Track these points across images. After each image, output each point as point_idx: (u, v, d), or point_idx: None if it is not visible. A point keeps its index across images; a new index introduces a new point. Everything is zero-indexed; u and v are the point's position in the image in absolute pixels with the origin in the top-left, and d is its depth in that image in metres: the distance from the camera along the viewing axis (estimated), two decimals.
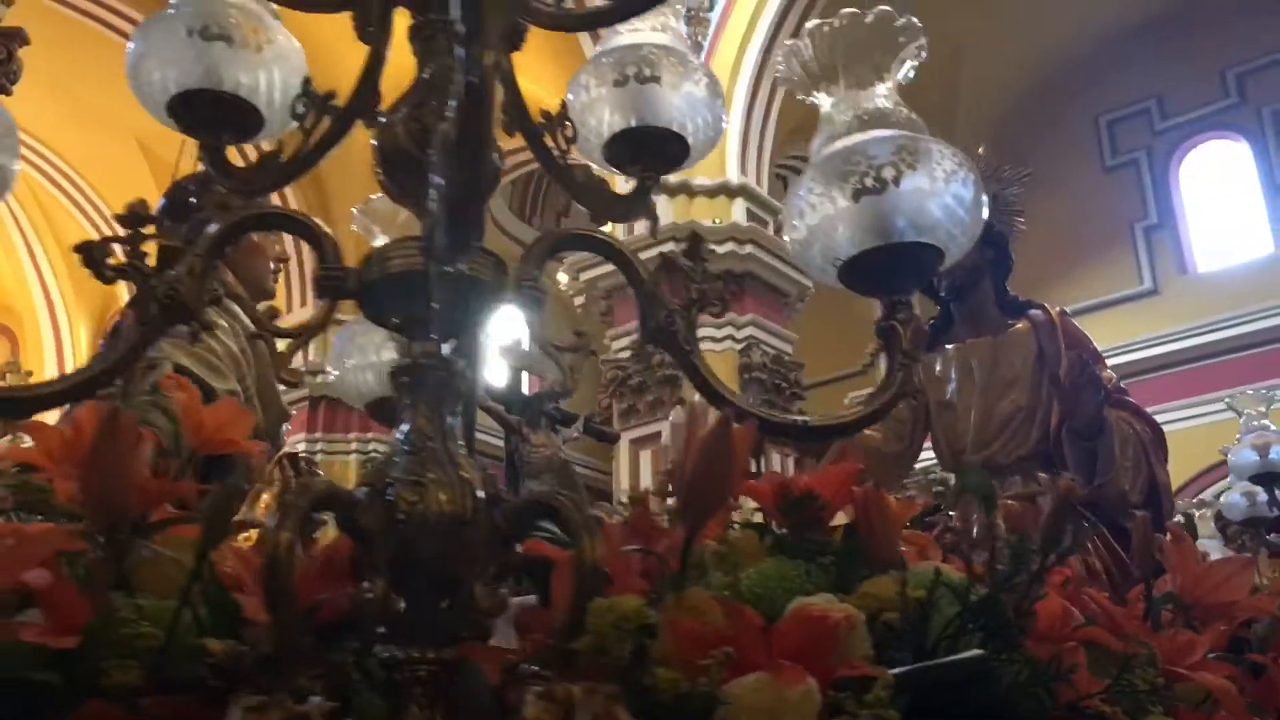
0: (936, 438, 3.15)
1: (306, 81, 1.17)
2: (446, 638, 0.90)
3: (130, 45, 1.20)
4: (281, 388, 2.44)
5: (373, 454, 10.24)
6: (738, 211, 7.93)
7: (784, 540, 1.16)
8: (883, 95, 1.14)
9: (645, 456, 7.89)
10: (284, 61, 1.21)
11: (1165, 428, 3.09)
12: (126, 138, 10.36)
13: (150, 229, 0.92)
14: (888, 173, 1.04)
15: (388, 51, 1.14)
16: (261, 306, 1.56)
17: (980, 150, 3.01)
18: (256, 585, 0.96)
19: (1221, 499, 5.38)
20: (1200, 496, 8.22)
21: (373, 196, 1.40)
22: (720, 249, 7.45)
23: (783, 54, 1.16)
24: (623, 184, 1.28)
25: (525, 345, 4.61)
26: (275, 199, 2.57)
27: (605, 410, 7.98)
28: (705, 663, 0.85)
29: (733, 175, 7.82)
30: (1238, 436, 5.09)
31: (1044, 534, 1.06)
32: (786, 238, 1.13)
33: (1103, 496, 2.77)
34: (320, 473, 2.29)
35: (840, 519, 1.20)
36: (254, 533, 1.51)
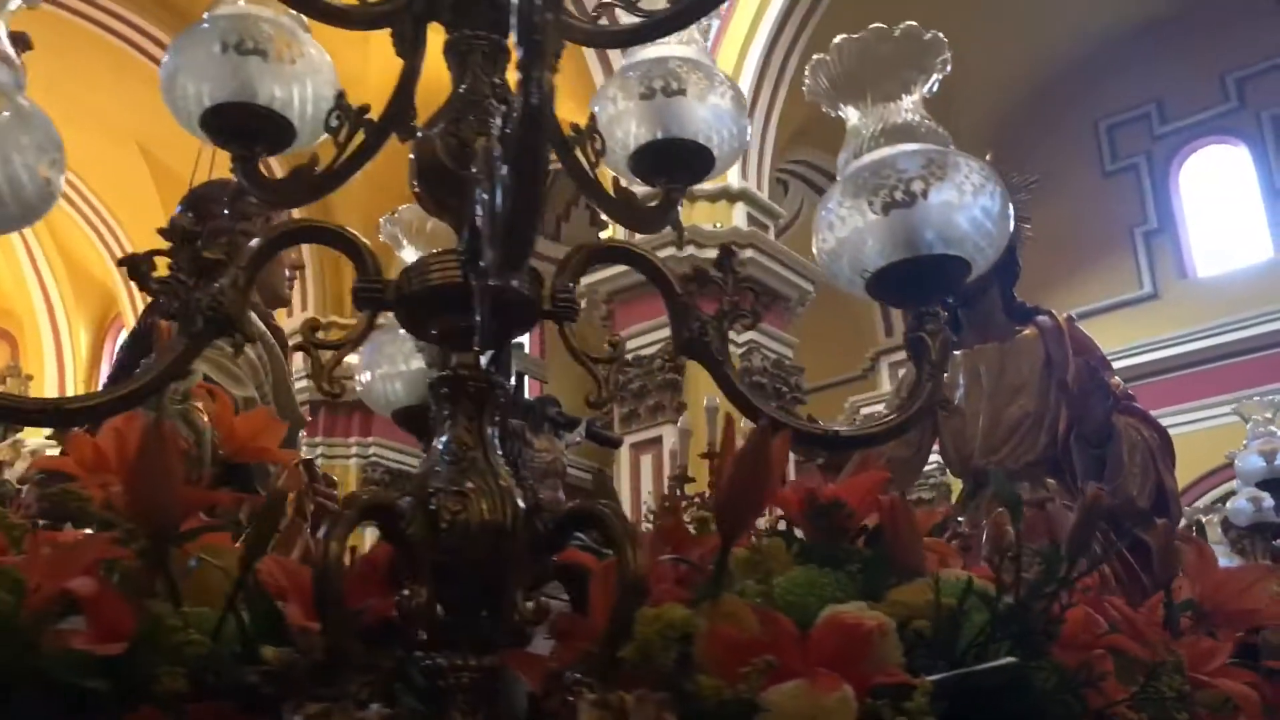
0: (944, 443, 3.17)
1: (340, 95, 1.18)
2: (488, 645, 0.91)
3: (164, 59, 1.22)
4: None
5: (373, 458, 10.26)
6: (738, 216, 7.95)
7: (810, 548, 1.17)
8: (908, 108, 1.16)
9: (646, 461, 7.90)
10: (316, 74, 1.22)
11: None
12: (127, 141, 10.37)
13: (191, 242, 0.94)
14: (917, 186, 1.06)
15: (421, 65, 1.16)
16: (286, 318, 1.57)
17: (988, 157, 3.03)
18: (298, 593, 0.98)
19: (1228, 504, 5.40)
20: (1198, 503, 8.26)
21: (402, 207, 1.41)
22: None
23: (809, 68, 1.18)
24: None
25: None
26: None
27: (606, 415, 7.99)
28: (745, 670, 0.86)
29: (733, 180, 7.84)
30: (1244, 442, 5.11)
31: (1071, 542, 1.08)
32: (815, 249, 1.15)
33: (1112, 503, 2.79)
34: (335, 479, 2.30)
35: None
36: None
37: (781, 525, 1.25)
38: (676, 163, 1.28)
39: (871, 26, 1.14)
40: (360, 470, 10.18)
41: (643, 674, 0.83)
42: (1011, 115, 9.73)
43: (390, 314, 1.08)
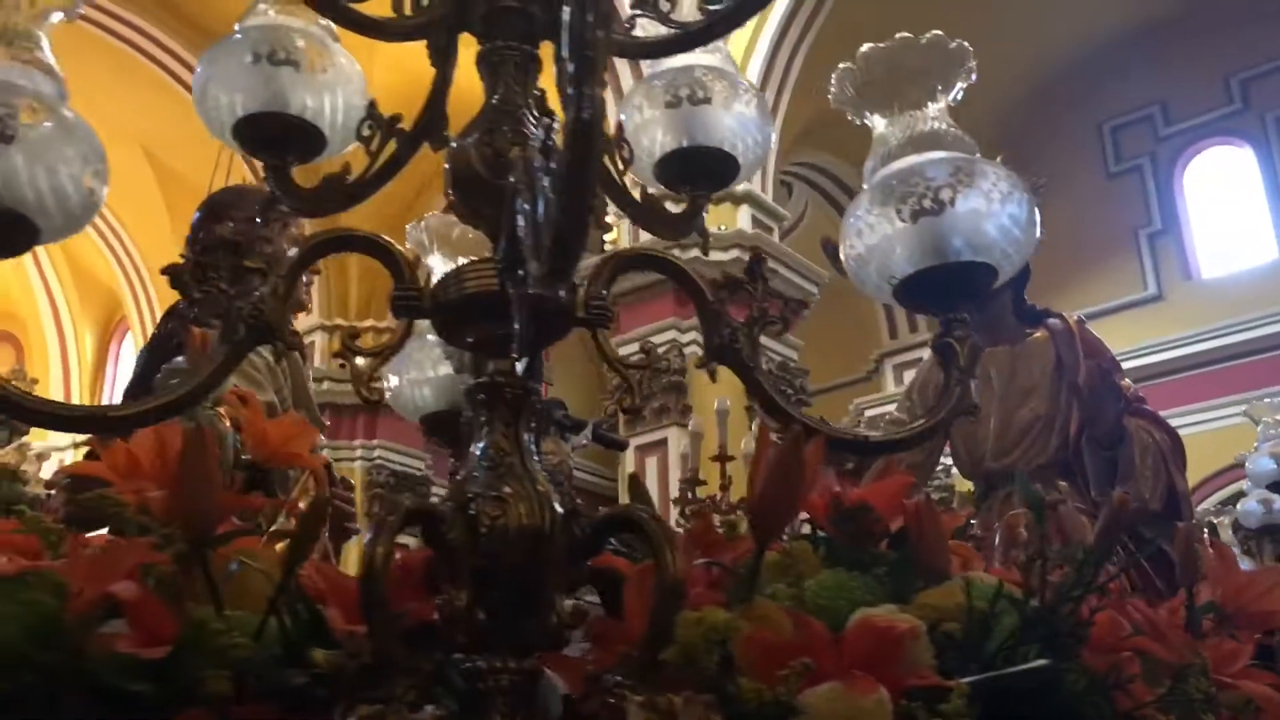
0: (955, 446, 3.18)
1: (372, 104, 1.20)
2: (527, 648, 0.93)
3: (196, 70, 1.23)
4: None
5: (377, 461, 10.27)
6: (743, 218, 7.96)
7: (838, 551, 1.18)
8: (934, 116, 1.17)
9: (651, 463, 7.91)
10: (347, 84, 1.24)
11: None
12: (132, 145, 10.39)
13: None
14: (945, 194, 1.07)
15: (452, 75, 1.18)
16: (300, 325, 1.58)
17: (999, 160, 3.04)
18: (337, 597, 0.99)
19: (1238, 506, 5.42)
20: (1204, 504, 8.26)
21: (429, 214, 1.43)
22: (725, 255, 7.48)
23: (835, 76, 1.19)
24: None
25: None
26: None
27: (610, 417, 8.01)
28: (783, 672, 0.87)
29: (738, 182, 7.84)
30: (1255, 444, 5.12)
31: (1098, 545, 1.09)
32: (842, 255, 1.16)
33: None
34: (352, 483, 2.31)
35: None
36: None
37: (805, 529, 1.26)
38: (702, 170, 1.29)
39: (898, 36, 1.15)
40: (365, 473, 10.19)
41: (683, 676, 0.84)
42: (1015, 117, 9.73)
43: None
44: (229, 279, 0.97)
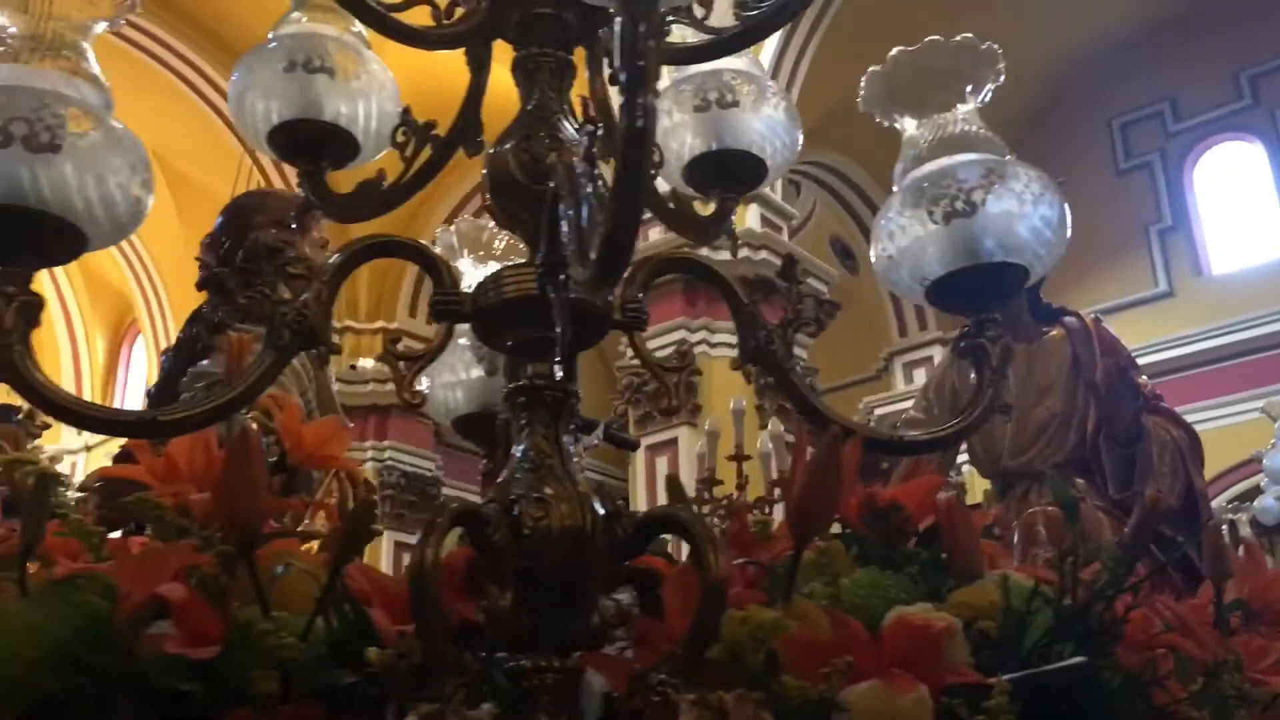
0: (972, 445, 3.19)
1: (407, 111, 1.21)
2: (570, 647, 0.94)
3: (233, 78, 1.25)
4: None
5: (388, 462, 10.28)
6: (751, 217, 7.96)
7: (870, 550, 1.19)
8: (964, 118, 1.18)
9: (661, 463, 7.92)
10: (380, 91, 1.25)
11: None
12: None
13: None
14: (977, 196, 1.08)
15: (486, 83, 1.19)
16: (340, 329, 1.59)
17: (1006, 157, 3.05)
18: (382, 598, 1.01)
19: (1255, 503, 5.41)
20: (1216, 500, 8.24)
21: (459, 219, 1.44)
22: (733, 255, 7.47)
23: (865, 79, 1.20)
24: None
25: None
26: None
27: (621, 416, 8.02)
28: (825, 670, 0.88)
29: None
30: (1272, 441, 5.11)
31: (1131, 543, 1.10)
32: (872, 257, 1.17)
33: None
34: (374, 485, 2.33)
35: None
36: (315, 544, 1.55)
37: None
38: (730, 173, 1.30)
39: (927, 39, 1.16)
40: (376, 474, 10.21)
41: (727, 675, 0.85)
42: (1024, 115, 9.72)
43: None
44: (274, 284, 0.99)
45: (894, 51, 1.17)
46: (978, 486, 3.75)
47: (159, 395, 2.27)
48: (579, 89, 1.18)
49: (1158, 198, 10.26)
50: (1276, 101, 9.85)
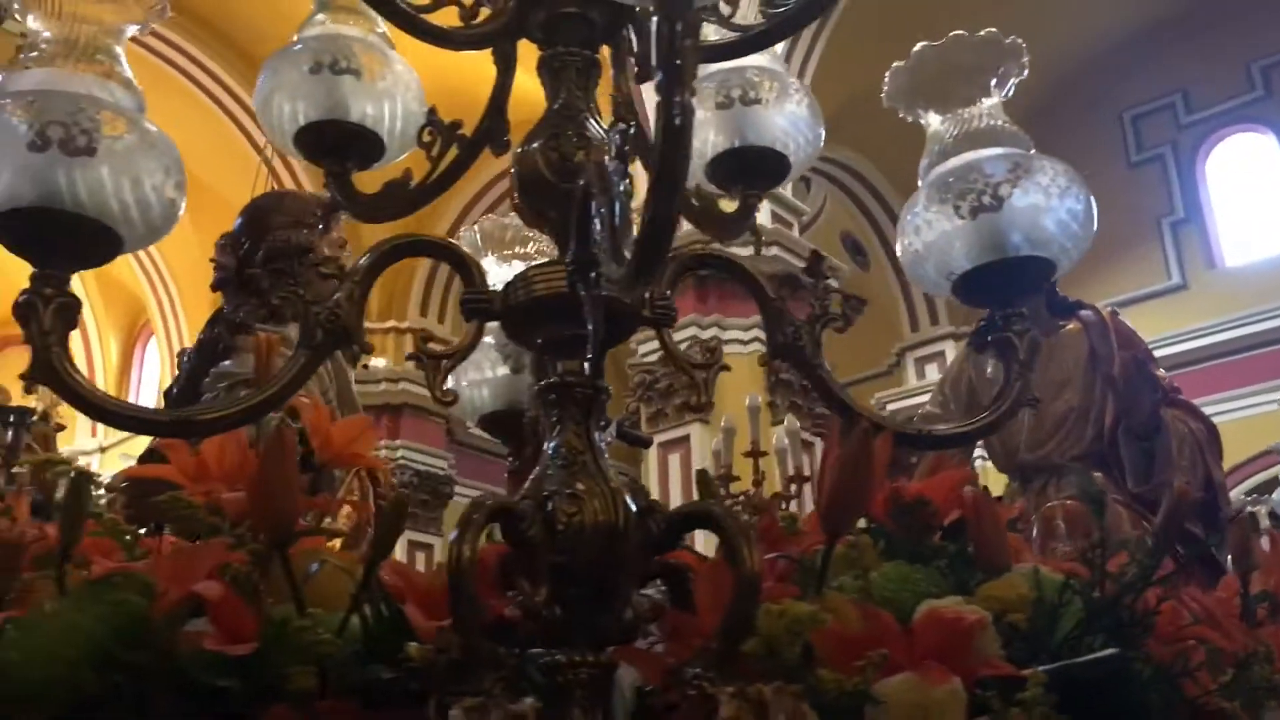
0: (990, 439, 3.18)
1: (433, 111, 1.22)
2: (604, 642, 0.95)
3: (259, 81, 1.26)
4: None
5: (401, 461, 10.31)
6: (763, 214, 7.93)
7: (896, 544, 1.20)
8: (989, 113, 1.18)
9: (674, 460, 7.92)
10: (405, 91, 1.26)
11: None
12: None
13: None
14: (1004, 190, 1.08)
15: (512, 82, 1.20)
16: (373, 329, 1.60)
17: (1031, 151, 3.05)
18: (415, 595, 1.02)
19: (1274, 495, 5.39)
20: (1231, 493, 8.20)
21: (483, 218, 1.44)
22: (744, 251, 7.47)
23: (889, 74, 1.20)
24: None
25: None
26: None
27: (633, 414, 8.03)
28: (859, 663, 0.89)
29: None
30: None
31: (1160, 535, 1.10)
32: (899, 252, 1.18)
33: (1161, 496, 2.80)
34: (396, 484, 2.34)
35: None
36: (337, 542, 1.56)
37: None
38: (753, 170, 1.31)
39: (952, 34, 1.17)
40: (388, 473, 10.20)
41: (763, 668, 0.86)
42: (1034, 109, 9.68)
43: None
44: (305, 284, 0.99)
45: (918, 46, 1.17)
46: (992, 481, 3.75)
47: (182, 396, 2.29)
48: (602, 88, 1.18)
49: (1170, 190, 10.21)
50: None
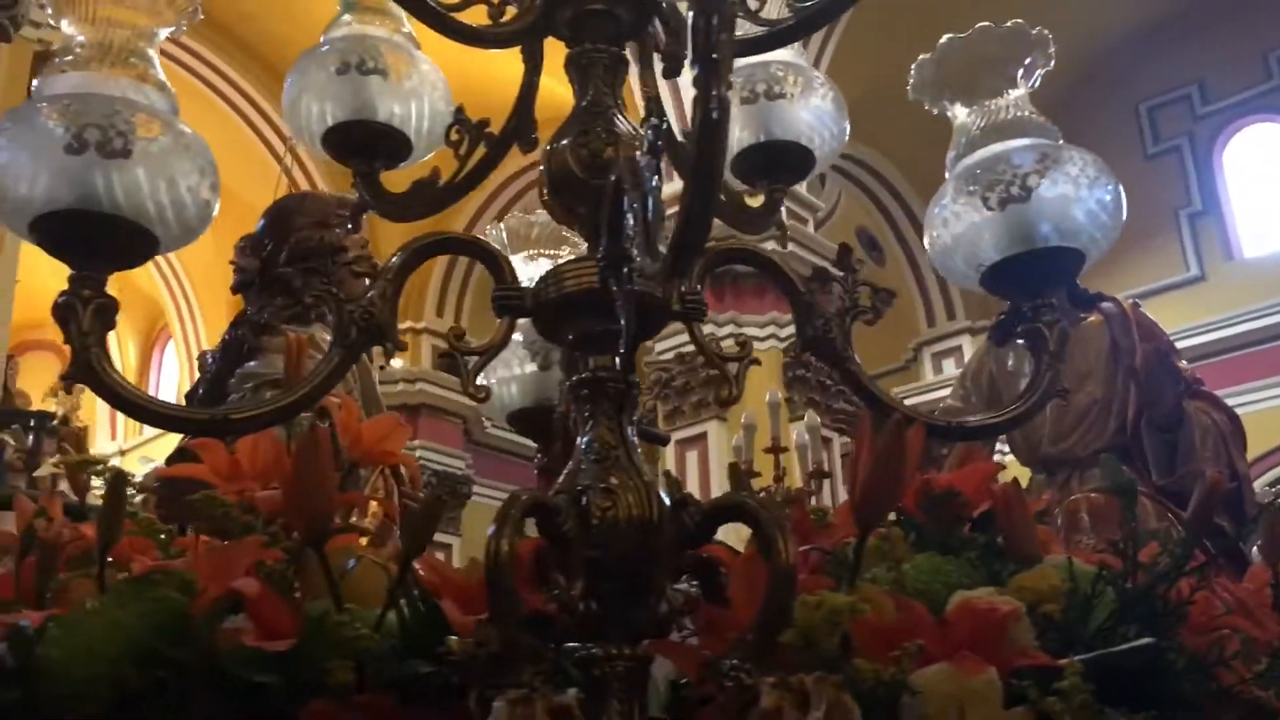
0: (1011, 433, 3.18)
1: (460, 110, 1.23)
2: (639, 635, 0.95)
3: (286, 82, 1.27)
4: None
5: (419, 461, 10.35)
6: None
7: (927, 536, 1.20)
8: (1015, 104, 1.18)
9: (692, 457, 7.93)
10: (432, 91, 1.26)
11: None
12: None
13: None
14: (1032, 181, 1.08)
15: (539, 81, 1.20)
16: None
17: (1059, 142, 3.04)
18: (451, 590, 1.02)
19: None
20: (1255, 485, 8.15)
21: (509, 215, 1.45)
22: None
23: (915, 67, 1.20)
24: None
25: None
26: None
27: (650, 412, 8.03)
28: (896, 654, 0.89)
29: None
30: None
31: (1192, 525, 1.10)
32: (926, 244, 1.18)
33: (1184, 488, 2.79)
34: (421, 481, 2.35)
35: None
36: (364, 539, 1.57)
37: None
38: (779, 164, 1.31)
39: (978, 26, 1.17)
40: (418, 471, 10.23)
41: (800, 659, 0.86)
42: (1050, 101, 9.61)
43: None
44: (338, 282, 1.00)
45: (944, 39, 1.17)
46: (1013, 474, 3.73)
47: (208, 397, 2.30)
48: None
49: (1187, 181, 10.15)
50: None
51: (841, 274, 1.10)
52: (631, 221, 0.87)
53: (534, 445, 1.60)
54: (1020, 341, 3.44)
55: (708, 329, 7.66)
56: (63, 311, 0.95)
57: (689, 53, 1.11)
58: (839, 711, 0.75)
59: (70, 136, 0.94)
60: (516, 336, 1.39)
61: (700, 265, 1.10)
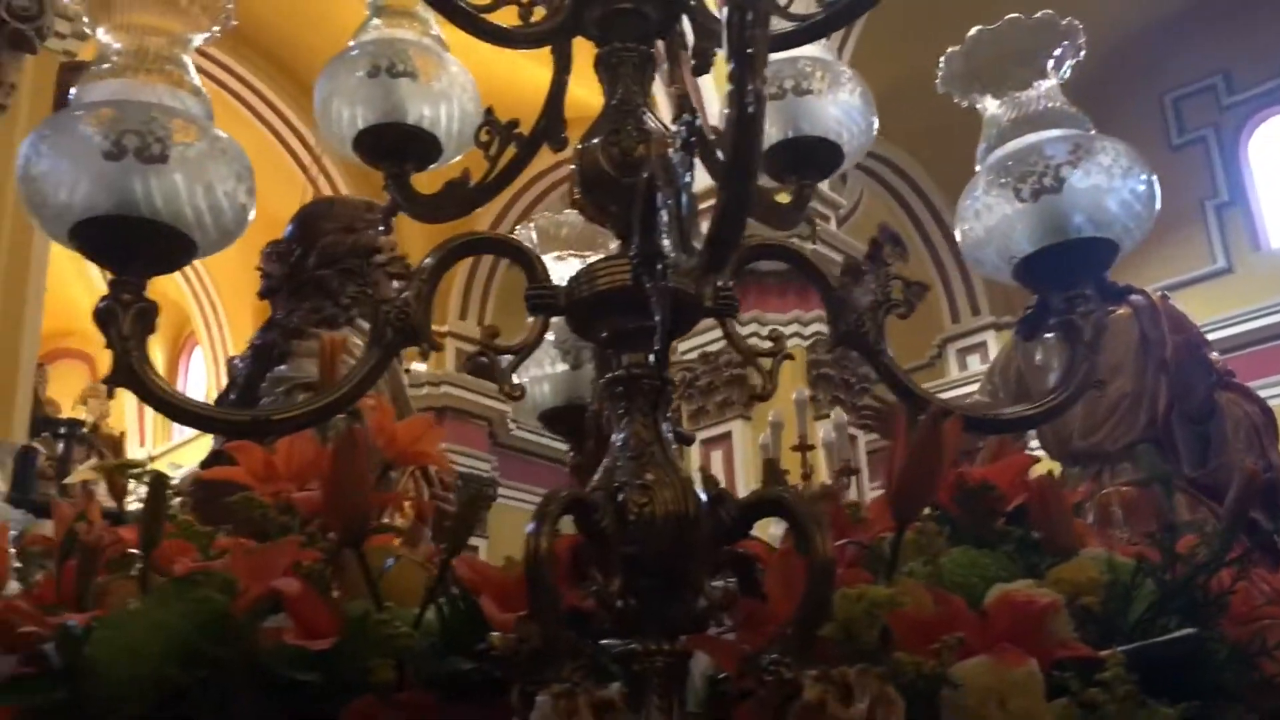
0: (1041, 427, 3.16)
1: (489, 111, 1.23)
2: (677, 630, 0.95)
3: (317, 86, 1.28)
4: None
5: None
6: None
7: (962, 529, 1.20)
8: (1046, 95, 1.18)
9: (717, 456, 7.92)
10: (462, 92, 1.27)
11: None
12: None
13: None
14: (1065, 171, 1.08)
15: (568, 79, 1.21)
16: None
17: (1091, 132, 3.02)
18: (489, 588, 1.03)
19: None
20: None
21: (537, 214, 1.46)
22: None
23: (944, 59, 1.20)
24: None
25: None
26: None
27: (675, 412, 8.00)
28: (935, 646, 0.89)
29: None
30: None
31: (1229, 517, 1.09)
32: (958, 237, 1.17)
33: (1217, 480, 2.77)
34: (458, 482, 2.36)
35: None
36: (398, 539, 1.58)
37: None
38: (807, 160, 1.31)
39: (1007, 17, 1.16)
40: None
41: (840, 652, 0.86)
42: (1074, 93, 9.56)
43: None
44: (373, 284, 1.01)
45: (973, 30, 1.17)
46: (1043, 469, 3.71)
47: (240, 401, 2.32)
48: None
49: (1213, 173, 10.05)
50: None
51: (873, 267, 1.09)
52: (665, 218, 0.87)
53: (560, 447, 1.60)
54: (1048, 336, 3.43)
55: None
56: (103, 316, 0.97)
57: (718, 49, 1.12)
58: (883, 704, 0.75)
59: (109, 143, 0.95)
60: (548, 336, 1.40)
61: (736, 261, 1.10)
